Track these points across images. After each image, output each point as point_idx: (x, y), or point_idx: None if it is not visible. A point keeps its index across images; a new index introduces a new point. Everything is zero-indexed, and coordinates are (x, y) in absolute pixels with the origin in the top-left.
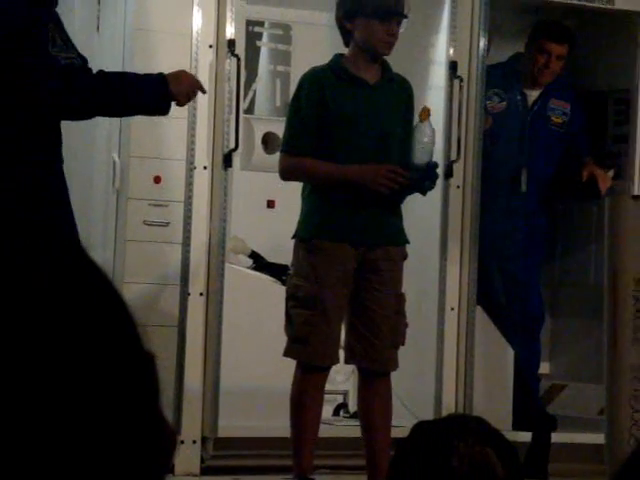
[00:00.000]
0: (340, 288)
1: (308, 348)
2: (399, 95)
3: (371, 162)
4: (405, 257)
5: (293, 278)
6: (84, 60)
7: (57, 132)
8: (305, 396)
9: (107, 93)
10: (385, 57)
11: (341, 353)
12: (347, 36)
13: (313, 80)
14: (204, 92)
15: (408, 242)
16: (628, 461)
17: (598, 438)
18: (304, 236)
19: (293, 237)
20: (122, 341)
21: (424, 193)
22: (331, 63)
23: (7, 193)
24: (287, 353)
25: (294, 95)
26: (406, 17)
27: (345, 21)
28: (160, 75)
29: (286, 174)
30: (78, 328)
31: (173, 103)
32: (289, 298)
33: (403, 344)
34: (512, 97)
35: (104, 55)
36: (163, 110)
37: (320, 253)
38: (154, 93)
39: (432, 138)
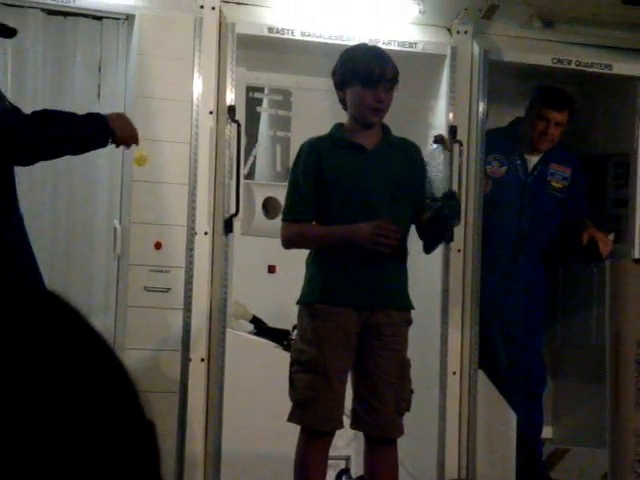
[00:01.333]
0: (343, 352)
1: (311, 413)
2: (400, 159)
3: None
4: (410, 322)
5: (297, 343)
6: (15, 108)
7: (7, 180)
8: (309, 461)
9: (45, 125)
10: (385, 122)
11: (346, 419)
12: (343, 104)
13: (310, 148)
14: (137, 144)
15: (412, 307)
16: None
17: None
18: (307, 301)
19: (297, 303)
20: (122, 409)
21: (447, 226)
22: (330, 131)
23: None
24: (290, 418)
25: (293, 164)
26: (392, 82)
27: (337, 90)
28: (97, 113)
29: (287, 242)
30: (78, 394)
31: (110, 142)
32: (292, 363)
33: (408, 410)
34: (512, 162)
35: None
36: (101, 140)
37: (323, 317)
38: (93, 123)
39: (447, 166)
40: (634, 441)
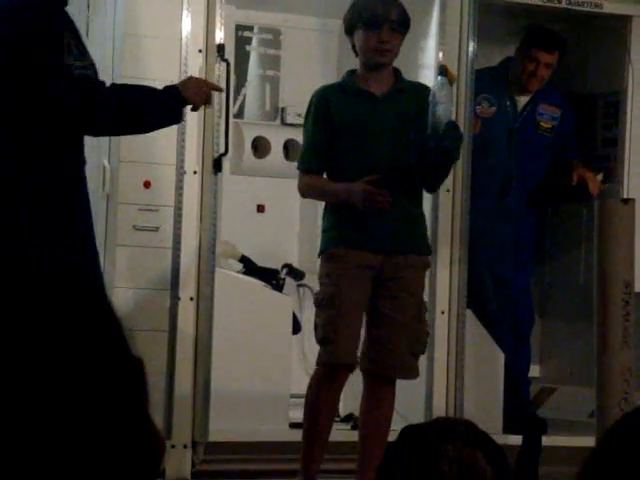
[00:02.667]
0: (359, 288)
1: (332, 348)
2: (410, 104)
3: (374, 171)
4: (428, 266)
5: (318, 290)
6: (94, 68)
7: (79, 148)
8: (323, 399)
9: (124, 108)
10: (396, 66)
11: None
12: (354, 50)
13: (319, 97)
14: (220, 90)
15: (430, 252)
16: (608, 436)
17: (589, 441)
18: (323, 248)
19: (318, 256)
20: (108, 344)
21: (449, 157)
22: (342, 78)
23: (22, 199)
24: (318, 360)
25: (305, 113)
26: (398, 24)
27: (348, 36)
28: (171, 86)
29: (302, 192)
30: (65, 330)
31: (188, 108)
32: (315, 307)
33: (423, 352)
34: (501, 102)
35: (95, 60)
36: (178, 118)
37: (337, 259)
38: (169, 103)
39: (450, 98)
40: (621, 379)
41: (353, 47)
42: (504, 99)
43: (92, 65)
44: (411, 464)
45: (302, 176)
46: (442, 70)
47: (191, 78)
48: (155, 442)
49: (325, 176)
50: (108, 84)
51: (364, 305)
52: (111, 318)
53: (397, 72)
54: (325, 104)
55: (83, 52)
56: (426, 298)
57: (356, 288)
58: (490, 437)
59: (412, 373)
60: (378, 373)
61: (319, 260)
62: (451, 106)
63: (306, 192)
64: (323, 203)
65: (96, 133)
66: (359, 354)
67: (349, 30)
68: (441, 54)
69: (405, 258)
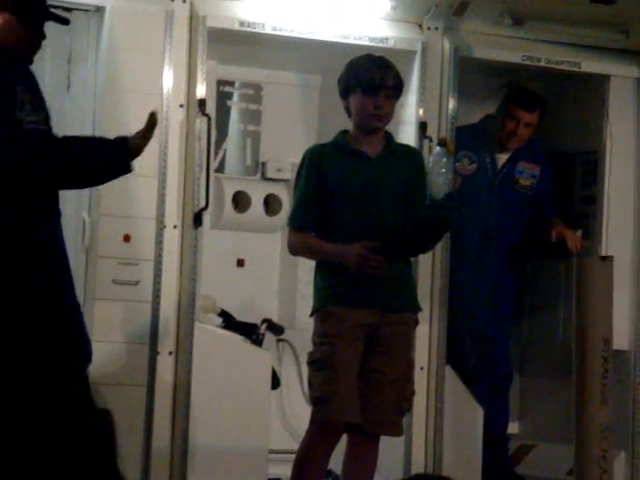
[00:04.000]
0: (353, 348)
1: (329, 406)
2: (402, 166)
3: (367, 233)
4: (417, 324)
5: (313, 349)
6: (49, 123)
7: (51, 200)
8: (316, 459)
9: (74, 161)
10: (388, 130)
11: None
12: (348, 112)
13: (313, 155)
14: (154, 121)
15: (420, 309)
16: None
17: None
18: (317, 306)
19: (310, 315)
20: (72, 398)
21: (446, 227)
22: (334, 138)
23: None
24: (312, 419)
25: (297, 171)
26: (394, 90)
27: (342, 99)
28: (121, 138)
29: (292, 250)
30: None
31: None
32: (308, 367)
33: (409, 410)
34: (481, 159)
35: (75, 114)
36: (124, 169)
37: (333, 318)
38: (117, 155)
39: (449, 169)
40: (599, 436)
41: (347, 109)
42: (484, 156)
43: (47, 119)
44: None
45: (292, 233)
46: (441, 141)
47: (141, 132)
48: None
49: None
50: (60, 136)
51: (358, 363)
52: (75, 372)
53: (388, 134)
54: (319, 162)
55: (37, 107)
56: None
57: (352, 347)
58: None
59: (397, 431)
60: (365, 429)
61: (309, 319)
62: (450, 176)
63: (296, 250)
64: (303, 259)
65: (45, 185)
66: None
67: (344, 92)
68: (421, 110)
69: (399, 316)
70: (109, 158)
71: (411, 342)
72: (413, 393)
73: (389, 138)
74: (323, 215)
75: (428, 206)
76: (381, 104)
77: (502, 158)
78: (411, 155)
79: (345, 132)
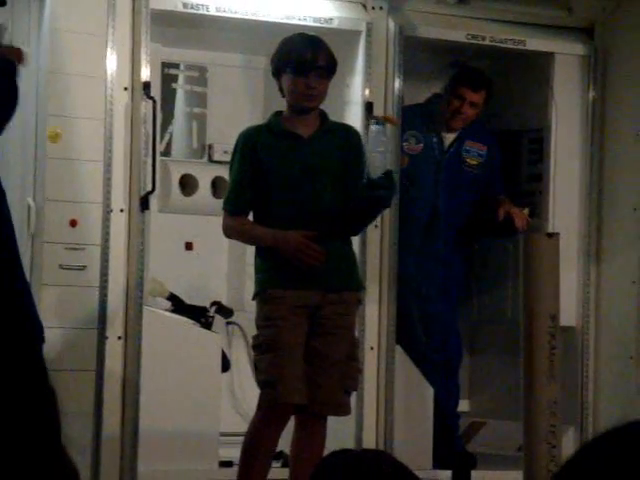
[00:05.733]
0: (296, 329)
1: (277, 389)
2: (337, 145)
3: (303, 214)
4: (360, 302)
5: (256, 332)
6: None
7: None
8: (265, 442)
9: None
10: (322, 109)
11: None
12: (282, 92)
13: (246, 138)
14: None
15: (363, 288)
16: None
17: (517, 475)
18: (258, 289)
19: (253, 298)
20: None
21: (382, 206)
22: (268, 120)
23: None
24: (260, 402)
25: (232, 155)
26: (326, 69)
27: (275, 79)
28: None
29: (227, 233)
30: None
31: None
32: (253, 350)
33: (355, 389)
34: (428, 139)
35: (19, 97)
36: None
37: (274, 301)
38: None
39: (386, 147)
40: (547, 412)
41: (280, 89)
42: (431, 136)
43: None
44: None
45: (227, 217)
46: (378, 119)
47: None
48: (67, 470)
49: (251, 217)
50: None
51: (303, 344)
52: (30, 353)
53: (322, 114)
54: (252, 145)
55: None
56: (356, 334)
57: (295, 328)
58: (408, 469)
59: (344, 410)
60: (310, 410)
61: (254, 302)
62: (387, 154)
63: (231, 233)
64: (249, 245)
65: None
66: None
67: (276, 73)
68: (367, 91)
69: (340, 295)
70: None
71: (354, 321)
72: (359, 372)
73: (323, 117)
74: (258, 198)
75: (365, 185)
76: (313, 84)
77: (449, 137)
78: (347, 133)
79: (279, 113)
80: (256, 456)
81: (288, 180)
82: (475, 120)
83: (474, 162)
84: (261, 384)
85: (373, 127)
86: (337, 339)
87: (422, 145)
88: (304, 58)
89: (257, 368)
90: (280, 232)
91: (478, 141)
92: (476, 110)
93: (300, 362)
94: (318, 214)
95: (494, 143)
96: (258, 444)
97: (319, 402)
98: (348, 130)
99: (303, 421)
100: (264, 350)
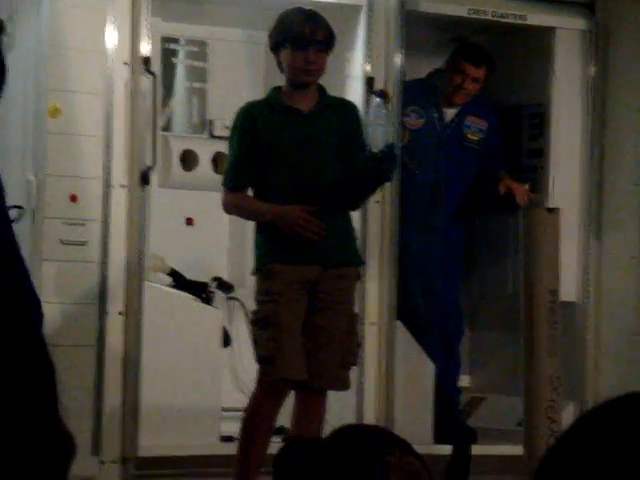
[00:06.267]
0: (295, 304)
1: (276, 364)
2: (336, 119)
3: (304, 189)
4: (359, 277)
5: (255, 308)
6: None
7: None
8: (264, 416)
9: None
10: (321, 83)
11: None
12: (280, 67)
13: (245, 114)
14: None
15: (363, 263)
16: (545, 458)
17: (517, 449)
18: (258, 265)
19: (252, 274)
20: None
21: (384, 179)
22: (267, 95)
23: None
24: (260, 378)
25: (231, 130)
26: (324, 44)
27: (273, 54)
28: None
29: (226, 209)
30: None
31: None
32: (252, 326)
33: (354, 364)
34: (429, 114)
35: (19, 73)
36: None
37: (274, 276)
38: None
39: (388, 120)
40: (547, 387)
41: (279, 64)
42: (432, 111)
43: None
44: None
45: (227, 193)
46: (380, 92)
47: None
48: (64, 439)
49: (250, 192)
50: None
51: (302, 319)
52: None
53: (321, 88)
54: (251, 120)
55: None
56: (356, 309)
57: (295, 304)
58: (406, 441)
59: (344, 385)
60: (309, 385)
61: (254, 277)
62: (389, 128)
63: (230, 209)
64: (249, 221)
65: None
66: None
67: (275, 47)
68: (368, 66)
69: (338, 270)
70: None
71: (353, 295)
72: (359, 346)
73: (322, 92)
74: (258, 174)
75: (366, 158)
76: (312, 59)
77: (450, 113)
78: (345, 108)
79: (278, 88)
80: (256, 431)
81: (287, 155)
82: (476, 95)
83: (475, 137)
84: (260, 359)
85: (376, 100)
86: (337, 314)
87: (423, 120)
88: (302, 33)
89: (256, 343)
90: (279, 207)
91: (479, 116)
92: (477, 85)
93: (298, 337)
94: (318, 189)
95: (495, 119)
96: (257, 419)
97: (319, 377)
98: (346, 104)
99: (303, 396)
100: (263, 325)
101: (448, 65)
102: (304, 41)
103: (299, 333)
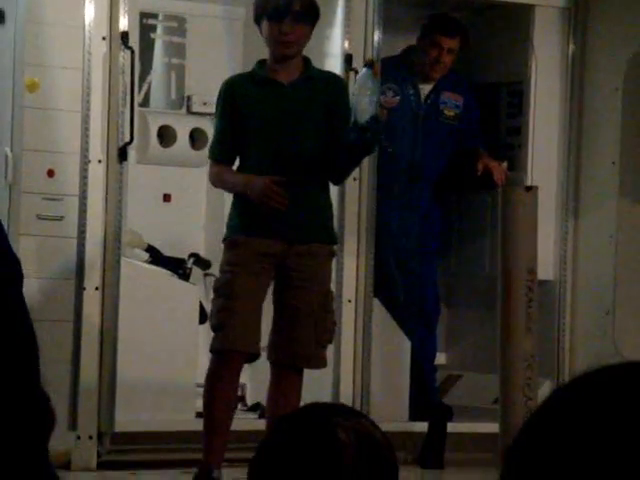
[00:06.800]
0: (255, 277)
1: (224, 333)
2: (319, 91)
3: (281, 162)
4: (333, 255)
5: (217, 277)
6: None
7: None
8: (219, 388)
9: None
10: (306, 55)
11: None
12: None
13: (226, 87)
14: None
15: (335, 241)
16: (519, 435)
17: (493, 427)
18: (225, 235)
19: (222, 243)
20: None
21: (369, 150)
22: (252, 68)
23: None
24: (211, 347)
25: (215, 104)
26: (301, 15)
27: (256, 25)
28: None
29: (212, 181)
30: None
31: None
32: (213, 295)
33: (330, 342)
34: (405, 91)
35: (7, 48)
36: None
37: (237, 247)
38: None
39: (375, 90)
40: (524, 365)
41: (263, 36)
42: (407, 88)
43: None
44: (306, 437)
45: (212, 165)
46: (368, 63)
47: None
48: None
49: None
50: None
51: (263, 293)
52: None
53: (307, 61)
54: (231, 94)
55: None
56: (333, 287)
57: (254, 275)
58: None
59: (319, 362)
60: (284, 362)
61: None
62: (376, 98)
63: (214, 181)
64: (228, 194)
65: None
66: (265, 345)
67: (256, 20)
68: (347, 43)
69: (308, 247)
70: None
71: (325, 273)
72: (334, 324)
73: (307, 64)
74: (240, 146)
75: (352, 129)
76: (287, 30)
77: (425, 89)
78: (330, 80)
79: (263, 61)
80: (213, 403)
81: (266, 126)
82: (451, 70)
83: (451, 113)
84: (213, 328)
85: (363, 70)
86: (307, 292)
87: (399, 98)
88: (279, 3)
89: (211, 312)
90: (250, 177)
91: (455, 92)
92: (453, 56)
93: (256, 310)
94: (297, 160)
95: (470, 94)
96: (214, 391)
97: (293, 355)
98: (332, 77)
99: (278, 374)
100: (218, 295)
101: (421, 40)
102: (279, 12)
103: (257, 306)
